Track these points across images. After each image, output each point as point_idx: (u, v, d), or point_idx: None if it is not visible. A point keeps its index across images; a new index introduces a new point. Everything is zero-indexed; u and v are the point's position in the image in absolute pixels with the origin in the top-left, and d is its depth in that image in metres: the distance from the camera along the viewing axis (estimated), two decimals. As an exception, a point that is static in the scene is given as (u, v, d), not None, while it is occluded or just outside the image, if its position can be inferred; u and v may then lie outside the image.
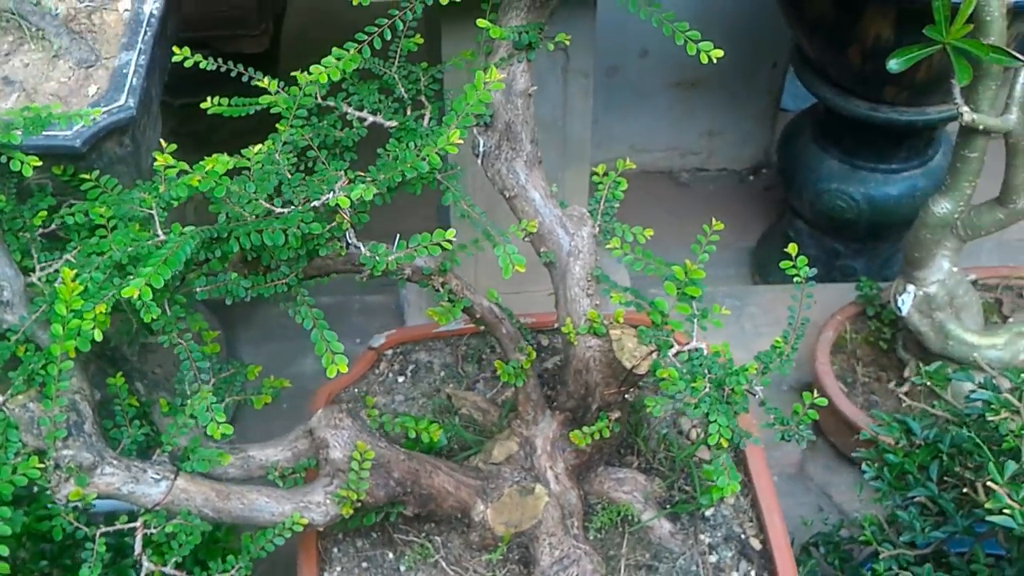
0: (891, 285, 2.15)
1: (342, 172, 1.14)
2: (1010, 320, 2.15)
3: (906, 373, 2.15)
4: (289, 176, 1.17)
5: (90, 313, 1.10)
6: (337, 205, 1.07)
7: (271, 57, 2.62)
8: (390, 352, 1.69)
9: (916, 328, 2.03)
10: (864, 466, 1.53)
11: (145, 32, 1.59)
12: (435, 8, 1.29)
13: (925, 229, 1.88)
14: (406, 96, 1.37)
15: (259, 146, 1.14)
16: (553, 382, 1.59)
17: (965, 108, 1.69)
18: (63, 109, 1.50)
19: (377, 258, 1.11)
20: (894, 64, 1.66)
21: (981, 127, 1.69)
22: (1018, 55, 1.59)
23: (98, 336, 1.10)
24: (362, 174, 1.12)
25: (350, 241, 1.12)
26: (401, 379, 1.66)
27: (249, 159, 1.12)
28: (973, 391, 1.52)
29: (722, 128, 3.10)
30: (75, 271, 1.16)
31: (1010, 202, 1.83)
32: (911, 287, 2.00)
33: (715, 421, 1.21)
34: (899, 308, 2.02)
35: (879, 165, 2.45)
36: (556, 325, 1.59)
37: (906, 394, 2.11)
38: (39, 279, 1.32)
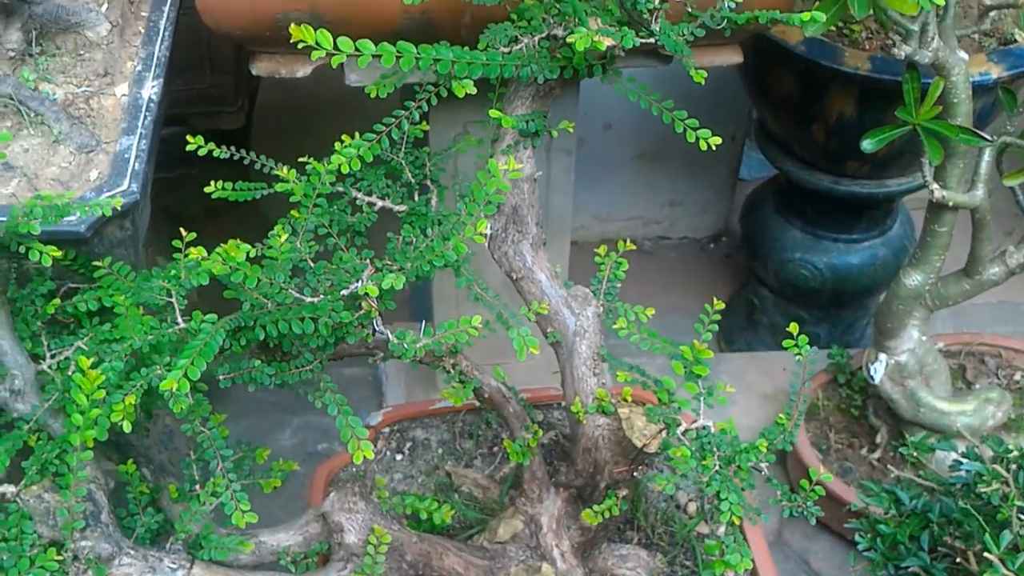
0: (860, 352, 2.23)
1: (368, 260, 1.17)
2: (976, 386, 2.23)
3: (878, 439, 2.21)
4: (312, 264, 1.19)
5: (119, 405, 1.10)
6: (365, 293, 1.10)
7: (246, 133, 2.64)
8: (387, 430, 1.70)
9: (888, 396, 2.09)
10: (857, 537, 1.58)
11: (145, 117, 1.61)
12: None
13: (897, 300, 1.96)
14: (413, 181, 1.40)
15: (283, 236, 1.16)
16: (551, 458, 1.61)
17: (935, 185, 1.77)
18: (63, 192, 1.51)
19: (405, 345, 1.13)
20: (868, 144, 1.74)
21: (950, 203, 1.77)
22: (985, 135, 1.68)
23: (127, 428, 1.10)
24: (389, 263, 1.15)
25: (378, 328, 1.15)
26: (399, 457, 1.67)
27: (275, 247, 1.14)
28: (957, 460, 1.58)
29: (683, 198, 3.19)
30: (92, 359, 1.17)
31: (976, 273, 1.92)
32: (883, 356, 2.07)
33: (726, 499, 1.25)
34: (872, 376, 2.09)
35: (840, 235, 2.54)
36: (555, 402, 1.63)
37: (878, 460, 2.18)
38: (49, 367, 1.32)
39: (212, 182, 1.48)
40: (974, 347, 2.32)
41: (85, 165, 1.56)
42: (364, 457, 1.14)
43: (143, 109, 1.62)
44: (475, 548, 1.46)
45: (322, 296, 1.12)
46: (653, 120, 3.21)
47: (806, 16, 1.22)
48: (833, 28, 2.18)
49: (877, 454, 2.19)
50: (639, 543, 1.55)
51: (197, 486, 1.34)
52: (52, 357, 1.33)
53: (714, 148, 1.36)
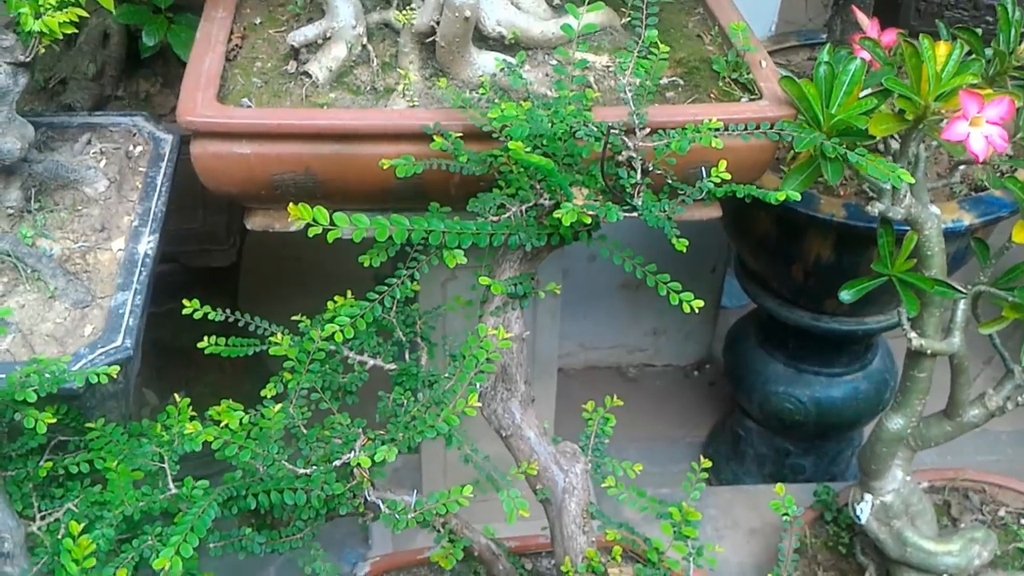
0: (846, 489, 2.24)
1: (360, 430, 1.19)
2: (961, 524, 2.24)
3: (865, 577, 2.21)
4: (304, 431, 1.21)
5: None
6: (358, 464, 1.12)
7: (236, 268, 2.68)
8: (374, 582, 1.70)
9: (875, 535, 2.10)
10: None
11: (140, 272, 1.64)
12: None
13: (880, 443, 1.98)
14: (404, 339, 1.43)
15: (276, 406, 1.19)
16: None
17: (913, 334, 1.81)
18: (59, 350, 1.53)
19: (397, 516, 1.14)
20: (846, 295, 1.79)
21: (928, 351, 1.81)
22: (960, 288, 1.73)
23: (120, 601, 1.10)
24: (382, 433, 1.17)
25: (369, 498, 1.16)
26: (386, 609, 1.67)
27: (268, 416, 1.17)
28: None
29: (666, 327, 3.24)
30: (83, 524, 1.18)
31: (957, 416, 1.95)
32: (868, 496, 2.08)
33: (717, 662, 1.25)
34: (858, 517, 2.10)
35: (822, 369, 2.58)
36: (544, 550, 1.63)
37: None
38: (39, 528, 1.33)
39: (205, 339, 1.51)
40: (958, 483, 2.35)
41: (80, 321, 1.59)
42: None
43: (139, 264, 1.66)
44: None
45: (314, 467, 1.14)
46: (636, 250, 3.28)
47: (780, 195, 1.27)
48: (808, 174, 2.26)
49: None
50: None
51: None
52: (42, 519, 1.34)
53: (696, 311, 1.40)
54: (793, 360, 2.60)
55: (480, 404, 1.42)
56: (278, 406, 1.18)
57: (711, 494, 2.64)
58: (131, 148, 1.87)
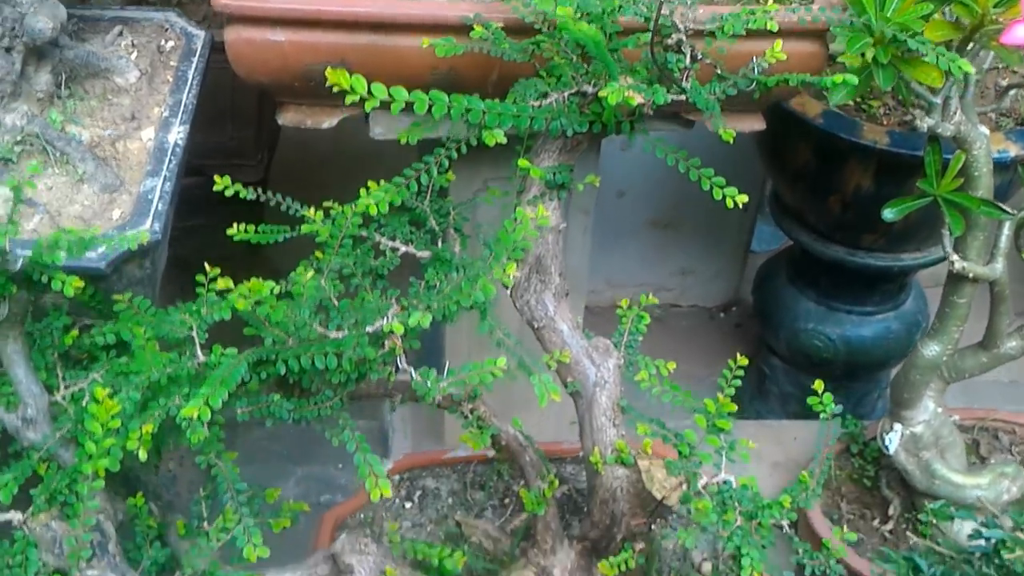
0: (874, 423, 2.21)
1: (393, 299, 1.17)
2: (990, 461, 2.21)
3: (890, 511, 2.18)
4: (336, 302, 1.19)
5: (136, 432, 1.09)
6: (391, 331, 1.09)
7: (263, 186, 2.66)
8: (397, 478, 1.68)
9: (903, 466, 2.07)
10: (875, 604, 1.55)
11: (170, 160, 1.62)
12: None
13: (914, 370, 1.95)
14: (436, 228, 1.40)
15: (308, 273, 1.16)
16: (563, 512, 1.59)
17: (955, 256, 1.77)
18: (86, 231, 1.51)
19: (428, 385, 1.12)
20: (889, 214, 1.75)
21: (970, 275, 1.77)
22: (1007, 208, 1.69)
23: (143, 456, 1.09)
24: (415, 302, 1.15)
25: (401, 366, 1.14)
26: (408, 505, 1.65)
27: (300, 283, 1.14)
28: (977, 529, 1.56)
29: (694, 267, 3.20)
30: (107, 390, 1.16)
31: (994, 347, 1.91)
32: (898, 426, 2.05)
33: (747, 554, 1.23)
34: (886, 447, 2.07)
35: (854, 307, 2.54)
36: (568, 456, 1.61)
37: (891, 532, 2.15)
38: (63, 398, 1.31)
39: (235, 224, 1.48)
40: (988, 422, 2.31)
41: (108, 205, 1.57)
42: (375, 499, 1.13)
43: (168, 153, 1.64)
44: (485, 601, 1.44)
45: (346, 332, 1.12)
46: (667, 188, 3.24)
47: (838, 78, 1.23)
48: (851, 103, 2.21)
49: (889, 525, 2.16)
50: (652, 603, 1.52)
51: (205, 523, 1.32)
52: (66, 388, 1.32)
53: (741, 206, 1.35)
54: (824, 297, 2.55)
55: (513, 295, 1.39)
56: (310, 273, 1.16)
57: (734, 427, 2.60)
58: (163, 43, 1.85)
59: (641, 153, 2.91)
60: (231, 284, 1.12)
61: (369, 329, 1.10)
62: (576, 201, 1.97)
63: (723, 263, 3.21)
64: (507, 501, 1.66)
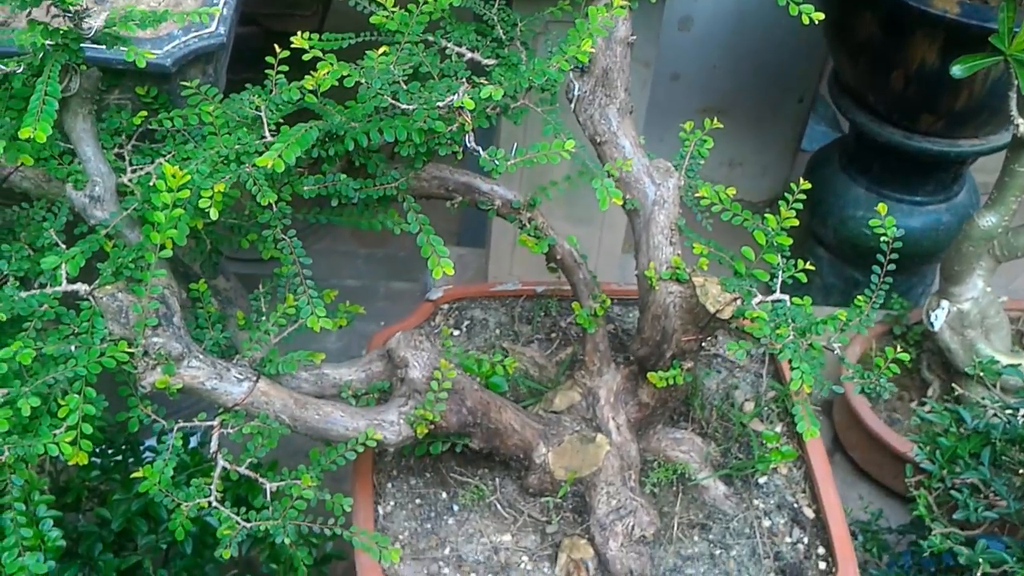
0: (918, 308, 2.20)
1: (464, 79, 1.16)
2: (1035, 350, 2.20)
3: (929, 393, 2.18)
4: (405, 87, 1.18)
5: (208, 191, 1.10)
6: (461, 107, 1.09)
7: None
8: (446, 306, 1.69)
9: (946, 344, 2.06)
10: (915, 449, 1.55)
11: (238, -36, 1.61)
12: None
13: (968, 242, 1.93)
14: (504, 38, 1.39)
15: (382, 49, 1.16)
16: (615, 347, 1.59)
17: (1020, 120, 1.74)
18: (152, 32, 1.51)
19: (496, 162, 1.12)
20: (957, 70, 1.72)
21: (1035, 139, 1.74)
22: (1079, 69, 1.65)
23: (214, 214, 1.10)
24: (484, 81, 1.14)
25: (469, 144, 1.14)
26: (456, 333, 1.67)
27: (372, 58, 1.14)
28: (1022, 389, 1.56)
29: (743, 159, 3.16)
30: (177, 166, 1.17)
31: (1051, 223, 1.89)
32: (945, 303, 2.04)
33: (798, 367, 1.23)
34: (932, 323, 2.06)
35: (905, 196, 2.50)
36: (617, 296, 1.61)
37: (941, 403, 2.15)
38: (130, 180, 1.32)
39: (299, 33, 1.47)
40: (1036, 313, 2.29)
41: (175, 5, 1.57)
42: (436, 277, 1.14)
43: (236, -42, 1.63)
44: (531, 414, 1.45)
45: (416, 106, 1.12)
46: (722, 74, 3.19)
47: None
48: (923, -27, 2.16)
49: (927, 408, 2.16)
50: (695, 432, 1.53)
51: (264, 317, 1.34)
52: (133, 172, 1.33)
53: (817, 23, 1.32)
54: (876, 185, 2.52)
55: (576, 108, 1.38)
56: (382, 49, 1.15)
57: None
58: None
59: (700, 36, 2.89)
60: (319, 54, 1.11)
61: (440, 104, 1.10)
62: (638, 52, 1.94)
63: (772, 157, 3.17)
64: (553, 335, 1.67)
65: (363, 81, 1.09)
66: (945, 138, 2.33)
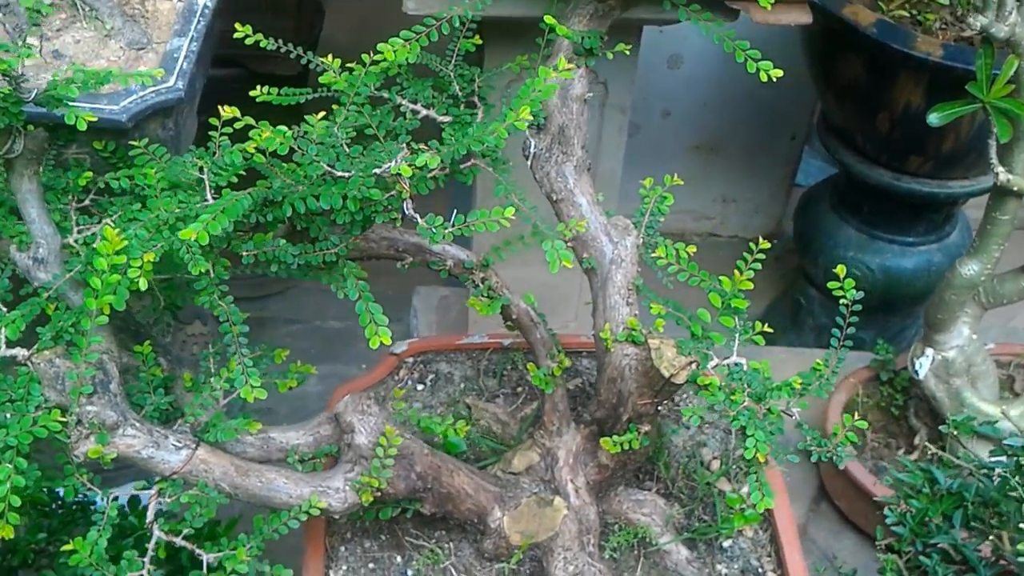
0: (906, 352, 2.15)
1: (404, 144, 1.14)
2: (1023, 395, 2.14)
3: (916, 441, 2.13)
4: (347, 150, 1.16)
5: (137, 260, 1.08)
6: (398, 174, 1.07)
7: (303, 80, 2.63)
8: (411, 360, 1.66)
9: (932, 393, 2.02)
10: (886, 511, 1.51)
11: (199, 22, 1.60)
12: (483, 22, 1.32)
13: (950, 290, 1.89)
14: (460, 94, 1.37)
15: (320, 115, 1.14)
16: (574, 403, 1.56)
17: (1000, 168, 1.70)
18: (112, 88, 1.50)
19: (433, 230, 1.09)
20: (934, 118, 1.68)
21: (1015, 188, 1.70)
22: (1058, 118, 1.62)
23: (143, 285, 1.08)
24: (424, 147, 1.12)
25: (407, 212, 1.11)
26: (420, 387, 1.64)
27: (312, 125, 1.12)
28: (998, 447, 1.51)
29: (737, 195, 3.13)
30: (118, 229, 1.14)
31: (1035, 271, 1.85)
32: (930, 351, 2.00)
33: (752, 435, 1.20)
34: (916, 371, 2.02)
35: (896, 237, 2.47)
36: (586, 349, 1.58)
37: (915, 462, 2.10)
38: (75, 241, 1.31)
39: (258, 87, 1.45)
40: (1024, 358, 2.24)
41: (134, 61, 1.55)
42: (374, 346, 1.11)
43: (197, 14, 1.61)
44: (487, 475, 1.42)
45: (352, 173, 1.09)
46: (713, 111, 3.16)
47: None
48: (906, 15, 2.14)
49: (914, 456, 2.11)
50: (658, 493, 1.50)
51: (212, 379, 1.31)
52: (79, 232, 1.32)
53: (775, 80, 1.29)
54: (867, 225, 2.49)
55: (533, 166, 1.36)
56: (321, 115, 1.13)
57: (764, 353, 2.55)
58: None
59: (689, 74, 2.86)
60: (252, 122, 1.09)
61: (376, 171, 1.08)
62: (612, 98, 1.92)
63: (766, 194, 3.13)
64: (519, 390, 1.64)
65: (297, 148, 1.07)
66: (935, 179, 2.29)
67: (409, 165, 1.06)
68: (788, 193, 3.16)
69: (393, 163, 1.07)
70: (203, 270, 1.08)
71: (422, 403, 1.61)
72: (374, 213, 1.12)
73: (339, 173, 1.09)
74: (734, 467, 1.54)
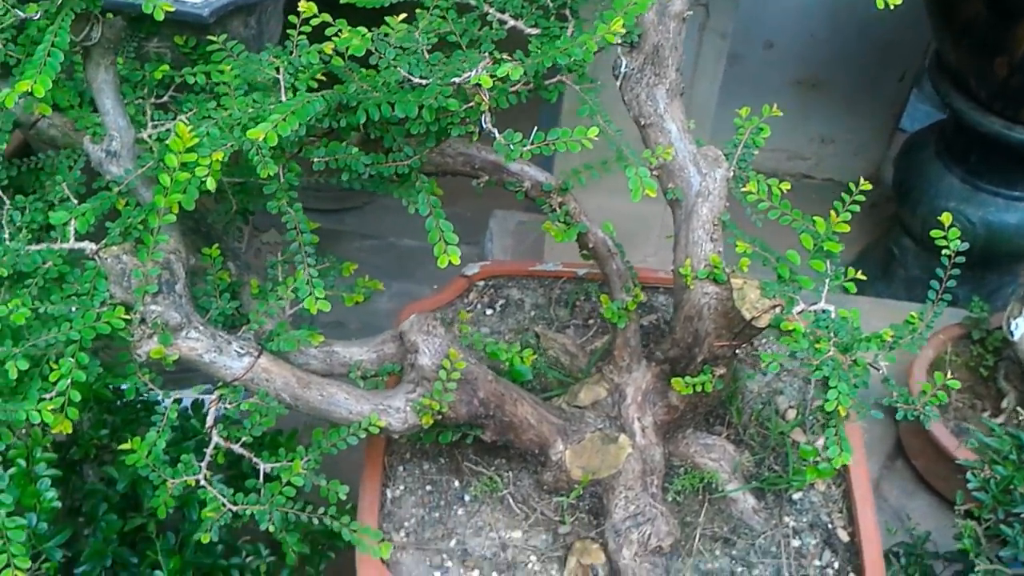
0: (1000, 312, 2.05)
1: (486, 53, 1.07)
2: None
3: (1004, 404, 2.04)
4: (427, 56, 1.10)
5: (206, 159, 1.05)
6: (478, 84, 1.01)
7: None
8: (482, 283, 1.62)
9: (1025, 356, 1.92)
10: (969, 475, 1.43)
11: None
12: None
13: (1059, 248, 1.77)
14: (551, 5, 1.29)
15: (401, 18, 1.08)
16: (646, 340, 1.51)
17: None
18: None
19: (512, 147, 1.04)
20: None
21: None
22: None
23: (211, 185, 1.04)
24: (508, 57, 1.05)
25: (485, 125, 1.06)
26: (489, 312, 1.60)
27: (392, 28, 1.06)
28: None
29: (836, 136, 3.00)
30: (191, 127, 1.11)
31: None
32: (1029, 312, 1.89)
33: (835, 387, 1.13)
34: (1011, 332, 1.92)
35: (1002, 189, 2.33)
36: (664, 285, 1.52)
37: (1001, 426, 2.00)
38: (149, 136, 1.28)
39: None
40: None
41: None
42: (442, 265, 1.07)
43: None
44: (551, 407, 1.38)
45: (431, 81, 1.04)
46: (819, 44, 3.00)
47: None
48: (1038, -51, 1.98)
49: (1000, 419, 2.02)
50: (728, 439, 1.44)
51: (279, 287, 1.28)
52: (153, 128, 1.29)
53: (892, 9, 1.19)
54: (971, 176, 2.36)
55: (622, 87, 1.29)
56: (402, 17, 1.07)
57: (850, 302, 2.46)
58: None
59: (798, 2, 2.72)
60: (328, 18, 1.04)
61: (455, 80, 1.02)
62: (713, 22, 1.83)
63: (868, 136, 2.99)
64: (591, 322, 1.58)
65: (375, 52, 1.02)
66: (1050, 131, 2.15)
67: (490, 76, 1.00)
68: (891, 137, 3.01)
69: (473, 72, 1.02)
70: (272, 173, 1.04)
71: (490, 328, 1.57)
72: (450, 125, 1.06)
73: (416, 80, 1.03)
74: (810, 418, 1.48)
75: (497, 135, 1.05)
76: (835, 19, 2.71)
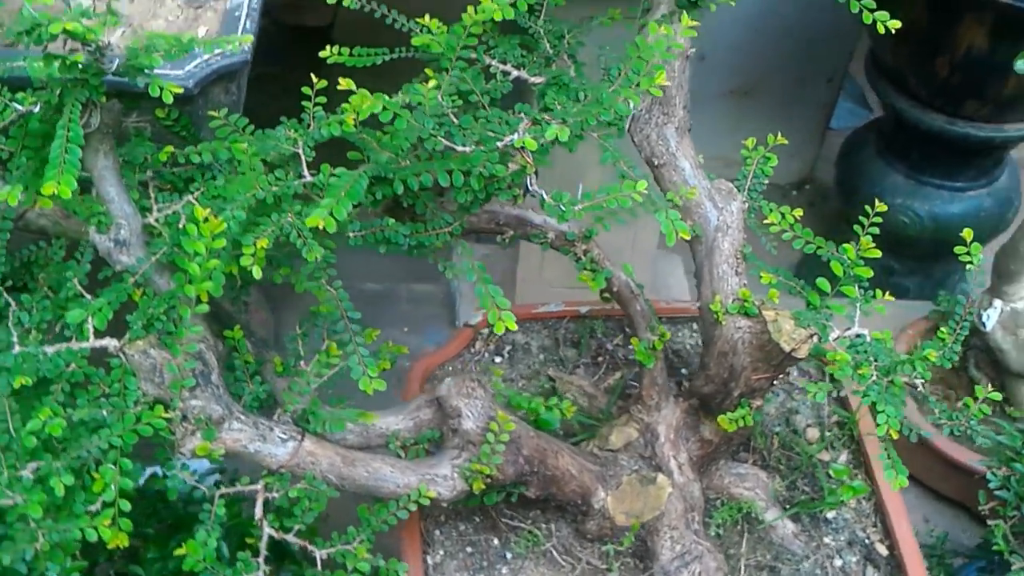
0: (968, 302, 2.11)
1: (522, 114, 1.06)
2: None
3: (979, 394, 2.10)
4: (455, 119, 1.08)
5: (249, 248, 1.01)
6: (522, 147, 0.99)
7: (330, 30, 2.54)
8: (486, 331, 1.60)
9: (997, 345, 1.98)
10: (989, 475, 1.47)
11: (258, -23, 1.51)
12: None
13: (1026, 241, 1.84)
14: (551, 52, 1.29)
15: (431, 81, 1.06)
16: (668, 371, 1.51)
17: (1089, 116, 1.64)
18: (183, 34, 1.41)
19: (562, 207, 1.03)
20: (1021, 64, 1.62)
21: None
22: None
23: (257, 274, 1.01)
24: (547, 117, 1.04)
25: (531, 187, 1.04)
26: (498, 359, 1.58)
27: (421, 93, 1.04)
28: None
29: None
30: (208, 210, 1.07)
31: (1115, 220, 1.80)
32: (998, 302, 1.96)
33: (883, 411, 1.15)
34: (983, 323, 1.98)
35: (946, 182, 2.41)
36: (667, 313, 1.52)
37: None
38: (156, 220, 1.23)
39: (328, 47, 1.37)
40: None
41: (193, 21, 1.46)
42: (499, 331, 1.05)
43: (256, -31, 1.52)
44: (586, 453, 1.37)
45: (473, 147, 1.02)
46: (749, 55, 3.06)
47: None
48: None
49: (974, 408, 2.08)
50: (755, 464, 1.45)
51: (302, 362, 1.25)
52: (159, 211, 1.24)
53: (892, 31, 1.21)
54: (915, 171, 2.42)
55: (631, 128, 1.29)
56: (432, 82, 1.05)
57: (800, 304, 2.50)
58: None
59: (726, 16, 2.77)
60: (352, 86, 1.01)
61: (500, 144, 1.01)
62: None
63: (801, 138, 3.06)
64: (600, 359, 1.58)
65: (412, 122, 0.99)
66: (991, 123, 2.23)
67: (533, 138, 0.99)
68: (822, 137, 3.09)
69: (516, 135, 1.00)
70: (319, 255, 1.01)
71: (502, 377, 1.56)
72: (497, 191, 1.05)
73: (460, 148, 1.02)
74: (829, 434, 1.50)
75: (546, 197, 1.04)
76: (762, 31, 2.77)
